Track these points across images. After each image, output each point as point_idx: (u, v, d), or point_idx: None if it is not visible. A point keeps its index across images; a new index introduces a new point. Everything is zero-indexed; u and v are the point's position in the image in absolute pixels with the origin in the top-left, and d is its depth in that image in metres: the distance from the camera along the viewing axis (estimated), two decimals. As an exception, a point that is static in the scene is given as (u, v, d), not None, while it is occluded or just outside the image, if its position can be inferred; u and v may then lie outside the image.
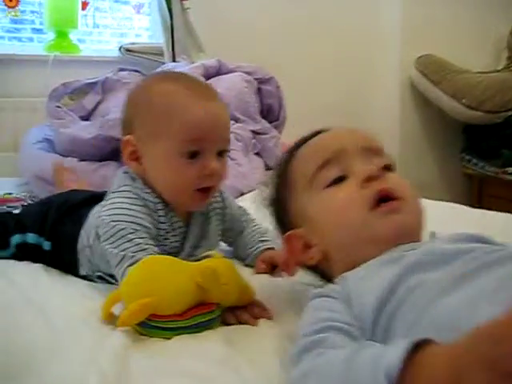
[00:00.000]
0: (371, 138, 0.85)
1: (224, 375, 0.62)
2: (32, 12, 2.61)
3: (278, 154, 2.07)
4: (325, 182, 0.80)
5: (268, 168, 2.00)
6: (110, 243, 0.89)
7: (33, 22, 2.62)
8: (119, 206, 0.92)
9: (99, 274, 1.00)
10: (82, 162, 1.68)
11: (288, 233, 0.84)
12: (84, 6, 2.65)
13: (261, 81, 2.10)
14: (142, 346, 0.70)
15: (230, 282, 0.79)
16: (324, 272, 0.84)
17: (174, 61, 2.44)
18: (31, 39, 2.62)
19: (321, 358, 0.57)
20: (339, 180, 0.79)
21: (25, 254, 1.08)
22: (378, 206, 0.76)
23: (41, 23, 2.58)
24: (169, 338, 0.73)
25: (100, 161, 1.70)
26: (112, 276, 0.97)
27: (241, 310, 0.82)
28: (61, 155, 1.72)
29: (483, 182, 2.88)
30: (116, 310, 0.78)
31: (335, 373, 0.54)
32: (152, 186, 0.96)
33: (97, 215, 0.96)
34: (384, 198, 0.76)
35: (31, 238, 1.09)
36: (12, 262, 1.06)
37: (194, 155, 0.91)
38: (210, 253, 0.83)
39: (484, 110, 2.71)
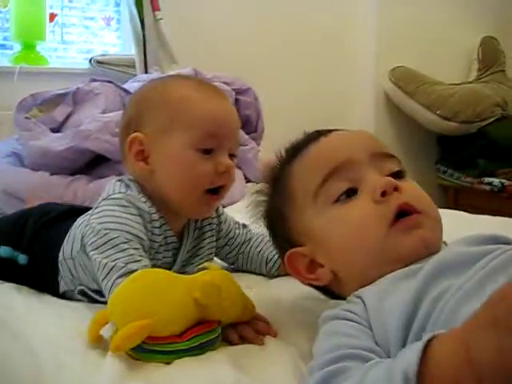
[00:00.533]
0: (379, 141, 0.79)
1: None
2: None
3: (257, 166, 2.02)
4: (333, 196, 0.72)
5: (248, 180, 1.94)
6: (100, 253, 0.81)
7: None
8: (111, 214, 0.85)
9: (81, 288, 0.92)
10: (54, 176, 1.58)
11: (290, 251, 0.76)
12: (52, 17, 2.56)
13: (238, 91, 2.04)
14: (140, 373, 0.62)
15: (231, 297, 0.72)
16: (333, 291, 0.77)
17: (146, 72, 2.38)
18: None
19: None
20: (348, 194, 0.72)
21: None
22: (398, 221, 0.69)
23: (5, 38, 2.48)
24: (168, 363, 0.65)
25: (72, 174, 1.61)
26: (96, 292, 0.90)
27: (243, 327, 0.75)
28: (31, 169, 1.62)
29: (459, 192, 2.88)
30: (105, 332, 0.70)
31: None
32: (152, 193, 0.90)
33: (84, 225, 0.89)
34: (403, 213, 0.69)
35: (4, 251, 1.01)
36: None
37: (208, 152, 0.88)
38: (205, 264, 0.76)
39: (458, 121, 2.72)
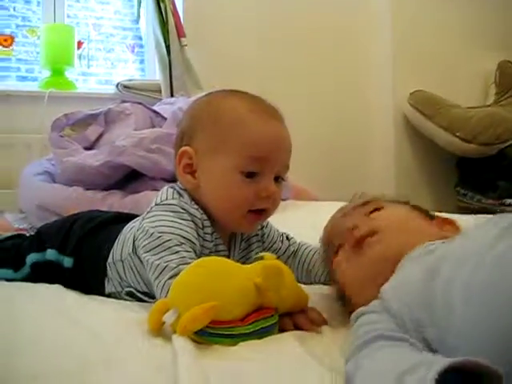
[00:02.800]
0: None
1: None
2: (26, 52, 2.60)
3: (286, 185, 2.04)
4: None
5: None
6: (152, 254, 0.83)
7: (27, 60, 2.61)
8: (164, 218, 0.86)
9: (129, 289, 0.93)
10: (88, 191, 1.62)
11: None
12: (79, 45, 2.65)
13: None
14: (213, 353, 0.63)
15: (288, 284, 0.74)
16: None
17: (172, 97, 2.43)
18: (25, 77, 2.59)
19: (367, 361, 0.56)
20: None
21: (39, 273, 1.02)
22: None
23: (35, 62, 2.56)
24: (233, 345, 0.66)
25: (106, 189, 1.64)
26: (145, 293, 0.91)
27: (298, 315, 0.76)
28: (64, 185, 1.65)
29: (480, 214, 2.87)
30: (167, 318, 0.70)
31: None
32: (200, 203, 0.91)
33: (135, 228, 0.91)
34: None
35: (51, 254, 1.03)
36: (28, 284, 0.98)
37: (252, 175, 0.88)
38: (261, 254, 0.76)
39: (478, 143, 2.73)
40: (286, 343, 0.65)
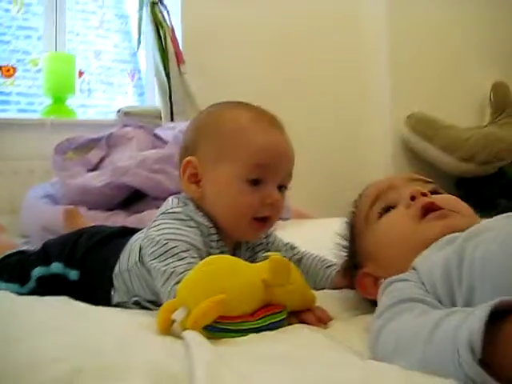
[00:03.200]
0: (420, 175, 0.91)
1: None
2: (26, 77, 2.63)
3: (286, 203, 2.05)
4: (376, 214, 0.85)
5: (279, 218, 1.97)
6: (160, 261, 0.84)
7: (27, 94, 2.64)
8: (171, 226, 0.88)
9: (136, 299, 0.94)
10: (92, 211, 1.62)
11: (358, 275, 0.87)
12: (80, 74, 2.69)
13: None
14: (227, 341, 0.64)
15: (296, 281, 0.74)
16: None
17: (172, 122, 2.46)
18: (25, 110, 2.62)
19: (414, 320, 0.58)
20: (388, 209, 0.84)
21: (45, 287, 1.02)
22: (426, 215, 0.79)
23: (35, 95, 2.60)
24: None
25: (109, 210, 1.65)
26: (151, 302, 0.92)
27: (305, 313, 0.77)
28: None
29: (481, 234, 2.88)
30: (176, 316, 0.69)
31: (423, 332, 0.54)
32: (205, 212, 0.92)
33: (141, 238, 0.92)
34: (429, 210, 0.79)
35: (56, 267, 1.03)
36: (36, 297, 0.98)
37: (256, 183, 0.90)
38: (269, 253, 0.76)
39: (477, 162, 2.76)
40: (300, 330, 0.65)
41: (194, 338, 0.61)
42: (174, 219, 0.89)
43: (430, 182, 0.89)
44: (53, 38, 2.61)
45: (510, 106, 3.13)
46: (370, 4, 3.08)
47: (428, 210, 0.78)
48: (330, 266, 1.04)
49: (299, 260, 1.07)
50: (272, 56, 2.82)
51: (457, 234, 0.70)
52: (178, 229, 0.87)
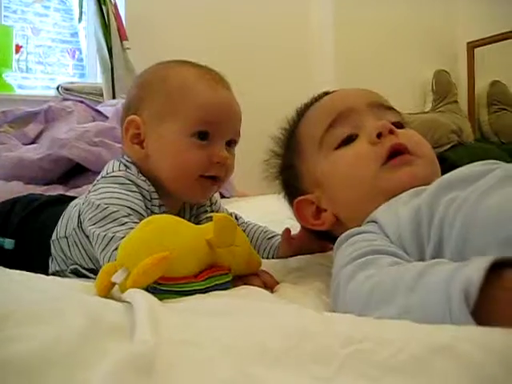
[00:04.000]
0: (379, 95, 0.83)
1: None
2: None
3: (230, 182, 2.03)
4: (335, 142, 0.77)
5: (222, 196, 1.94)
6: (99, 226, 0.79)
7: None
8: (111, 190, 0.83)
9: (74, 267, 0.90)
10: (29, 186, 1.55)
11: (298, 198, 0.80)
12: (17, 49, 2.57)
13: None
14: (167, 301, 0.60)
15: (241, 244, 0.72)
16: (337, 236, 0.78)
17: (114, 99, 2.39)
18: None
19: (390, 268, 0.53)
20: (350, 139, 0.77)
21: None
22: (390, 160, 0.73)
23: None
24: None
25: (47, 184, 1.58)
26: (91, 270, 0.88)
27: (252, 277, 0.75)
28: (4, 180, 1.58)
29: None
30: (116, 278, 0.64)
31: (404, 281, 0.49)
32: (149, 175, 0.88)
33: (80, 204, 0.87)
34: (396, 153, 0.73)
35: None
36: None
37: (203, 137, 0.86)
38: (213, 214, 0.71)
39: (419, 147, 2.82)
40: (248, 290, 0.63)
41: (135, 291, 0.57)
42: (115, 183, 0.84)
43: (390, 108, 0.82)
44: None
45: (450, 93, 3.22)
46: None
47: (394, 152, 0.73)
48: (272, 237, 1.02)
49: (244, 230, 1.04)
50: (218, 36, 2.79)
51: (422, 187, 0.66)
52: (119, 193, 0.83)
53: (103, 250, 0.77)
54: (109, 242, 0.76)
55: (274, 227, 1.05)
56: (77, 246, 0.89)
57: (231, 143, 0.90)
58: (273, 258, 1.00)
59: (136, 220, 0.80)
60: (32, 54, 2.67)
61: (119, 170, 0.87)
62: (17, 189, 1.52)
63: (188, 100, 0.86)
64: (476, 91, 3.42)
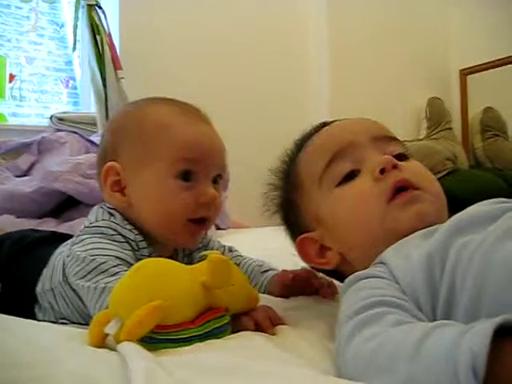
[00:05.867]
0: (381, 126, 0.81)
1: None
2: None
3: (226, 213, 2.01)
4: (336, 178, 0.75)
5: (218, 228, 1.92)
6: (87, 280, 0.74)
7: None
8: (96, 241, 0.78)
9: (63, 321, 0.85)
10: (20, 219, 1.52)
11: (301, 236, 0.78)
12: (11, 78, 2.56)
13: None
14: (162, 352, 0.57)
15: (237, 282, 0.69)
16: (344, 274, 0.74)
17: (108, 129, 2.37)
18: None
19: (392, 330, 0.50)
20: (351, 175, 0.74)
21: None
22: (395, 197, 0.70)
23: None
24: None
25: (39, 217, 1.55)
26: (80, 325, 0.83)
27: (256, 312, 0.70)
28: (-5, 214, 1.55)
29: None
30: (109, 329, 0.61)
31: (407, 347, 0.46)
32: (134, 222, 0.83)
33: (65, 254, 0.82)
34: (401, 189, 0.71)
35: None
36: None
37: (187, 177, 0.81)
38: (206, 252, 0.69)
39: (414, 174, 2.81)
40: (248, 338, 0.60)
41: (130, 347, 0.54)
42: (99, 234, 0.79)
43: (393, 139, 0.79)
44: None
45: (444, 120, 3.23)
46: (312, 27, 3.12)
47: (399, 188, 0.70)
48: (266, 271, 0.98)
49: (238, 264, 1.00)
50: (212, 60, 2.79)
51: (432, 228, 0.64)
52: (104, 244, 0.77)
53: (96, 302, 0.72)
54: (101, 293, 0.71)
55: (275, 262, 1.03)
56: (63, 299, 0.84)
57: (217, 179, 0.86)
58: (263, 293, 0.95)
59: (126, 268, 0.74)
60: (26, 82, 2.67)
61: (103, 220, 0.82)
62: (8, 222, 1.49)
63: (166, 139, 0.81)
64: (469, 118, 3.44)
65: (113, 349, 0.59)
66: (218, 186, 0.86)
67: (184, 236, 0.84)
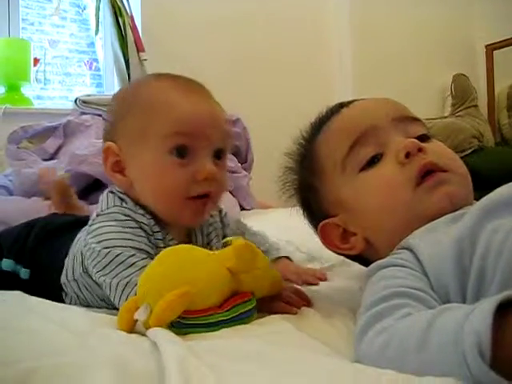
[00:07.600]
0: (401, 106, 0.80)
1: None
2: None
3: (250, 193, 2.02)
4: (359, 163, 0.73)
5: (242, 208, 1.93)
6: (106, 273, 0.74)
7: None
8: (109, 230, 0.77)
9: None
10: (48, 201, 1.54)
11: (323, 222, 0.77)
12: (35, 62, 2.59)
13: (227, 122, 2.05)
14: (190, 337, 0.58)
15: (262, 267, 0.69)
16: (367, 259, 0.75)
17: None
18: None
19: (399, 323, 0.51)
20: (375, 159, 0.73)
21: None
22: (423, 181, 0.69)
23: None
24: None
25: (67, 201, 1.57)
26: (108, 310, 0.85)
27: (274, 305, 0.71)
28: (24, 197, 1.58)
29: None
30: (139, 315, 0.62)
31: (413, 338, 0.47)
32: (144, 205, 0.82)
33: (82, 244, 0.82)
34: (428, 172, 0.70)
35: (7, 264, 0.95)
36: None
37: (183, 152, 0.78)
38: (229, 238, 0.70)
39: (439, 153, 2.78)
40: (275, 323, 0.61)
41: (160, 333, 0.56)
42: (113, 220, 0.78)
43: (414, 120, 0.77)
44: (5, 26, 2.50)
45: (470, 97, 3.18)
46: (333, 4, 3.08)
47: (426, 171, 0.69)
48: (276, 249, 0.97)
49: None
50: (233, 42, 2.78)
51: (460, 211, 0.64)
52: (117, 233, 0.77)
53: (120, 298, 0.73)
54: (124, 288, 0.73)
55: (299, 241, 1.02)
56: (86, 289, 0.85)
57: (220, 154, 0.82)
58: None
59: (143, 256, 0.75)
60: (50, 65, 2.69)
61: (114, 206, 0.81)
62: (37, 204, 1.52)
63: (160, 114, 0.79)
64: (495, 94, 3.38)
65: (143, 334, 0.60)
66: (221, 161, 0.83)
67: (186, 214, 0.81)
